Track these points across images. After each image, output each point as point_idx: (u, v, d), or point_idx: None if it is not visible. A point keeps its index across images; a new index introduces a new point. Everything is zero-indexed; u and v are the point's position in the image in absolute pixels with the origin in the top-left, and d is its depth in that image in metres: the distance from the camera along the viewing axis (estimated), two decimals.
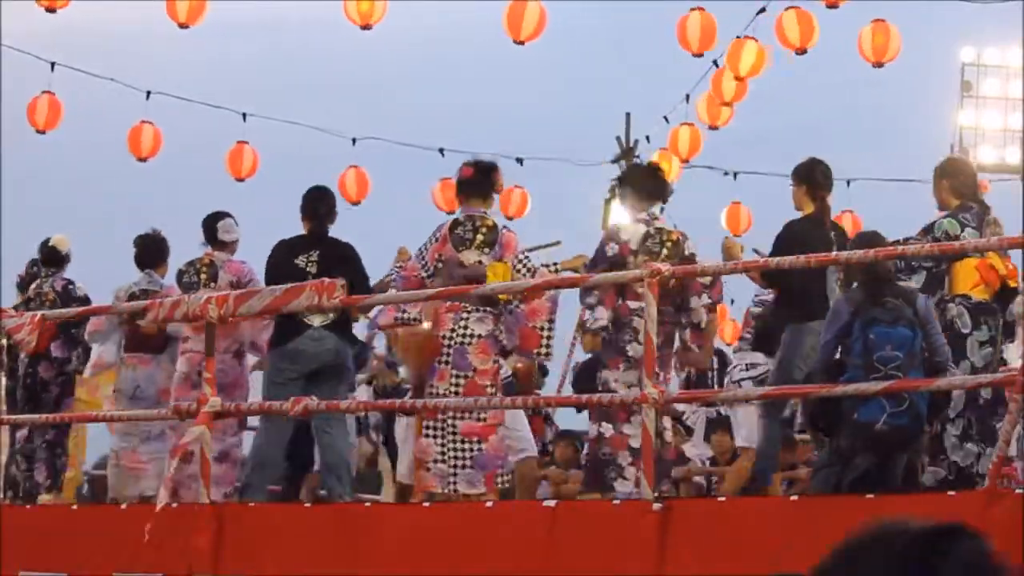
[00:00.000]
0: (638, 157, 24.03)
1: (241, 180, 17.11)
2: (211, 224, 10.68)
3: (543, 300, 9.35)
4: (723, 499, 8.44)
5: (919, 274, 9.02)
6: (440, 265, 9.30)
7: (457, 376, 9.17)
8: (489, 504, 8.87)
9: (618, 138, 24.95)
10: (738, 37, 15.30)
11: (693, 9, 14.51)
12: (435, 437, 9.23)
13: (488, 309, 9.22)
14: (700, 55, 14.62)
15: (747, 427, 10.33)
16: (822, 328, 9.10)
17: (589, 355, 12.82)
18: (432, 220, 17.86)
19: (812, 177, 9.60)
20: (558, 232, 10.06)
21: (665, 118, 18.51)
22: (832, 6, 13.55)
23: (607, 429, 9.15)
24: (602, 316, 9.19)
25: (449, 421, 9.24)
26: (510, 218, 18.76)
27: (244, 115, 17.24)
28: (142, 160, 16.49)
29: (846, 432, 8.19)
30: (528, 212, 18.87)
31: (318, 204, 10.16)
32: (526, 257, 9.36)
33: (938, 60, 26.19)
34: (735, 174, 20.13)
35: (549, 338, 9.41)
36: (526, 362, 11.10)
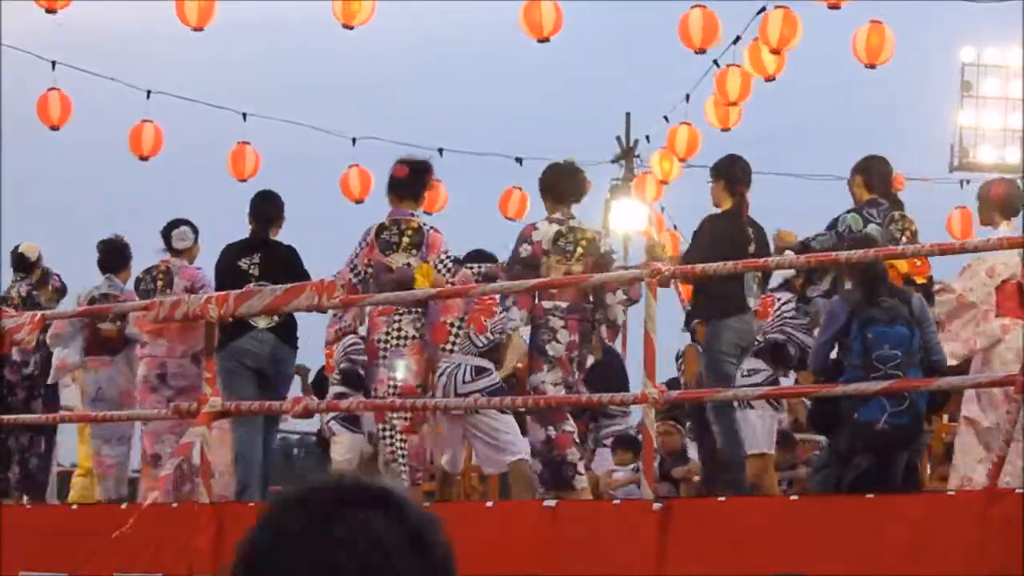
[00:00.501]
0: (638, 157, 24.08)
1: (243, 180, 17.09)
2: (167, 232, 10.83)
3: (457, 299, 9.48)
4: (723, 499, 8.43)
5: (827, 276, 9.14)
6: (370, 270, 9.38)
7: (393, 377, 9.29)
8: (489, 504, 8.88)
9: (618, 138, 24.98)
10: (739, 37, 15.29)
11: (695, 7, 14.50)
12: (389, 439, 9.41)
13: (419, 310, 9.34)
14: (702, 51, 14.58)
15: (752, 432, 10.29)
16: (738, 323, 9.20)
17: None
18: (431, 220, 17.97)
19: (731, 173, 9.68)
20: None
21: (665, 118, 18.51)
22: (834, 7, 13.52)
23: (552, 431, 9.23)
24: (515, 317, 9.30)
25: (394, 423, 9.39)
26: (510, 219, 18.76)
27: (245, 115, 17.24)
28: (143, 159, 16.47)
29: (846, 432, 8.18)
30: (528, 214, 18.86)
31: (263, 208, 10.30)
32: (447, 257, 9.46)
33: (938, 60, 26.27)
34: None
35: (456, 335, 9.53)
36: (527, 363, 11.09)
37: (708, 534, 7.72)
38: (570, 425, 9.18)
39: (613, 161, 24.74)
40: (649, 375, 8.22)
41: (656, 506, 7.79)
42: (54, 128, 15.73)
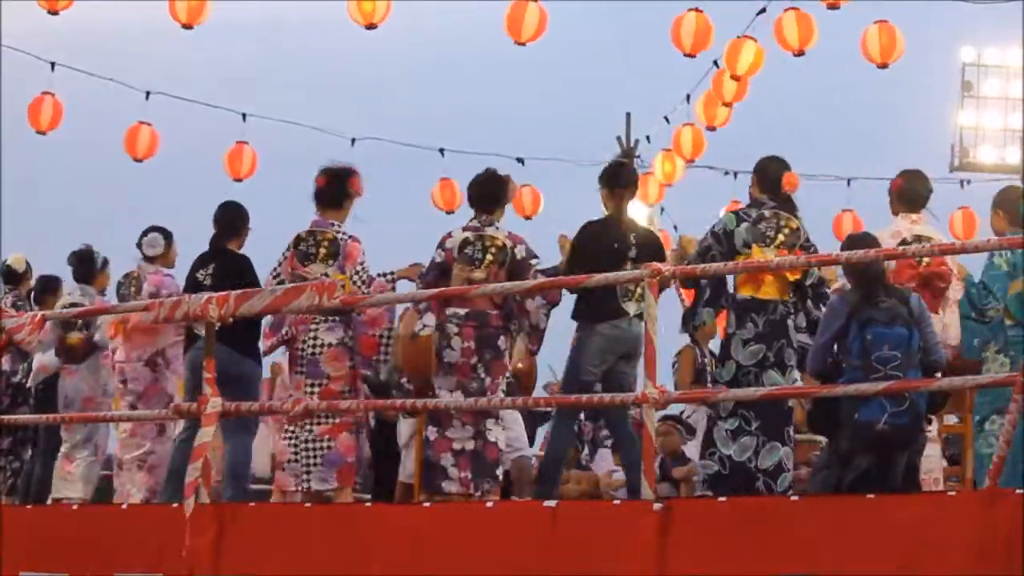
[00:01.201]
0: (639, 157, 24.05)
1: (240, 180, 17.12)
2: (140, 239, 10.93)
3: (381, 311, 9.69)
4: (723, 499, 8.43)
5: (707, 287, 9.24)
6: (292, 280, 9.55)
7: (312, 384, 9.53)
8: (489, 504, 8.88)
9: (618, 138, 24.94)
10: (737, 37, 15.30)
11: (690, 9, 14.51)
12: (290, 439, 9.61)
13: (338, 319, 9.47)
14: (693, 56, 14.62)
15: None
16: (610, 329, 9.39)
17: None
18: (431, 220, 17.99)
19: (612, 179, 9.78)
20: (559, 231, 10.06)
21: (666, 118, 18.53)
22: (833, 7, 13.54)
23: (432, 433, 9.43)
24: (430, 322, 9.46)
25: (308, 425, 9.57)
26: (527, 218, 18.74)
27: (244, 115, 17.24)
28: (138, 161, 16.52)
29: (847, 433, 8.17)
30: (542, 211, 18.84)
31: (221, 218, 10.38)
32: (363, 269, 9.52)
33: (938, 60, 26.23)
34: (735, 174, 20.14)
35: (387, 346, 9.68)
36: (527, 363, 11.12)
37: (708, 534, 7.71)
38: (453, 432, 9.29)
39: None
40: (649, 375, 8.21)
41: (656, 506, 7.79)
42: (41, 133, 15.77)
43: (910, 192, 9.50)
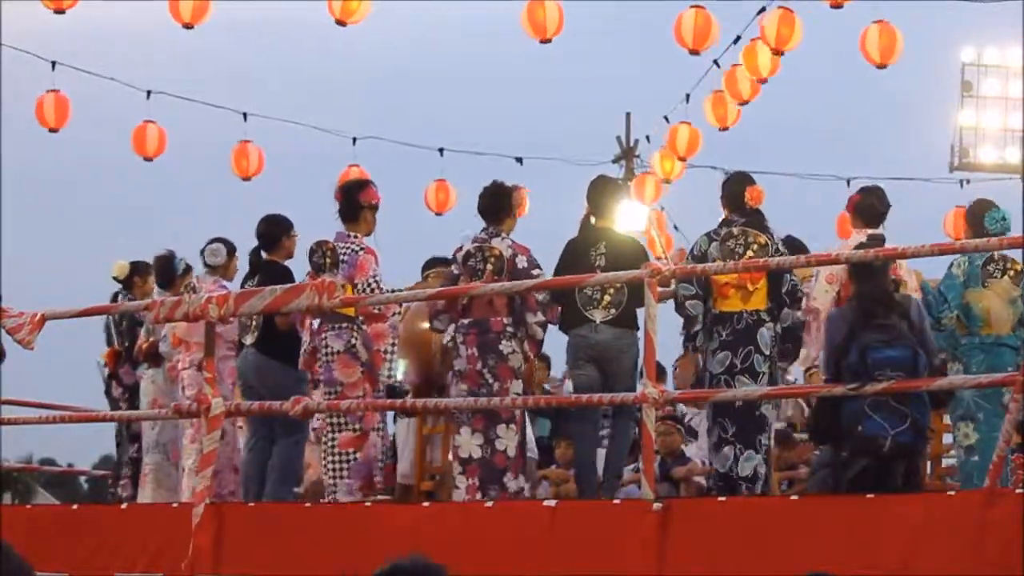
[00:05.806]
0: (638, 157, 24.08)
1: (248, 179, 17.11)
2: (203, 248, 11.04)
3: (385, 326, 9.78)
4: (723, 499, 8.44)
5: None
6: None
7: (328, 393, 9.60)
8: (489, 504, 8.88)
9: (618, 138, 24.98)
10: (739, 37, 15.30)
11: (691, 7, 14.50)
12: (322, 449, 9.75)
13: (343, 324, 9.59)
14: (696, 53, 14.59)
15: None
16: (575, 337, 9.55)
17: None
18: (432, 220, 18.00)
19: (588, 194, 10.10)
20: (558, 232, 10.11)
21: (665, 118, 18.49)
22: (836, 6, 13.53)
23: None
24: (444, 325, 9.60)
25: (330, 435, 9.68)
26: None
27: (245, 115, 17.23)
28: (148, 159, 16.50)
29: (848, 445, 8.08)
30: (529, 212, 18.83)
31: (257, 231, 10.49)
32: (375, 281, 9.69)
33: (938, 60, 26.26)
34: None
35: (391, 361, 9.78)
36: (528, 366, 11.14)
37: (708, 534, 7.72)
38: (460, 439, 9.36)
39: (614, 161, 24.75)
40: (649, 375, 8.22)
41: (656, 506, 7.80)
42: (52, 131, 15.77)
43: (867, 208, 9.63)
